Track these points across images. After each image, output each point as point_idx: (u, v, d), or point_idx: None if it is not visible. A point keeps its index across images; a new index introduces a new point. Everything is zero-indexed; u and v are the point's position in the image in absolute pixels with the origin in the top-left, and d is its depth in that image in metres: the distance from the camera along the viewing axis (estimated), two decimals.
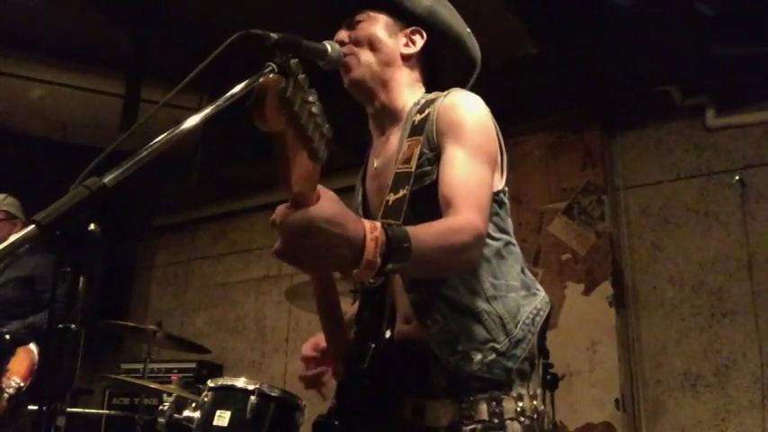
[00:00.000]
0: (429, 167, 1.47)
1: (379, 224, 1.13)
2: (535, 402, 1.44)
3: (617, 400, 3.92)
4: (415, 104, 1.62)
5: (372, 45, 1.63)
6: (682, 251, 4.13)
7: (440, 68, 1.72)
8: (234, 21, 3.77)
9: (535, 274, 4.22)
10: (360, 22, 1.66)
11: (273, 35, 1.34)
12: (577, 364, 4.03)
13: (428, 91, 1.67)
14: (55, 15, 4.01)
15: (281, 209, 1.05)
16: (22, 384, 3.39)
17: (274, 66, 1.34)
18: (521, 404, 1.41)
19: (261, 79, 0.96)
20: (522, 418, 1.40)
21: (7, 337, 3.40)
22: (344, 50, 1.62)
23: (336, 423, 1.36)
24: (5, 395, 3.37)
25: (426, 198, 1.43)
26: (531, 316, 1.49)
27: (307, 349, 1.66)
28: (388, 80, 1.64)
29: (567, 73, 4.07)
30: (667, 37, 3.70)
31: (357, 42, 1.64)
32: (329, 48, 1.56)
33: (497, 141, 1.53)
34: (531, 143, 4.52)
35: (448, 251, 1.26)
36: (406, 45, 1.66)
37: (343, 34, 1.65)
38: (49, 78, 4.41)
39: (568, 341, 4.05)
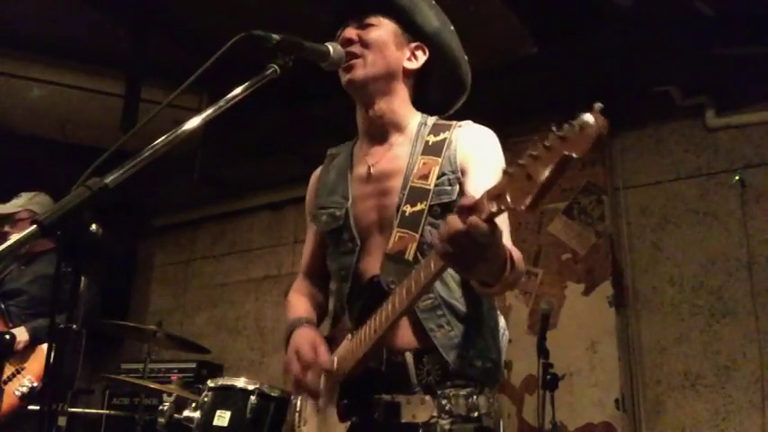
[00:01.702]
0: (449, 187, 1.55)
1: (507, 249, 1.30)
2: (498, 404, 1.56)
3: (617, 400, 3.92)
4: (423, 125, 1.67)
5: (381, 51, 1.64)
6: (682, 251, 4.13)
7: (429, 88, 1.75)
8: (234, 21, 3.78)
9: (535, 275, 4.27)
10: (370, 25, 1.66)
11: (275, 36, 1.34)
12: (577, 364, 4.03)
13: (413, 104, 1.73)
14: (55, 15, 4.01)
15: (474, 219, 1.14)
16: (35, 384, 3.38)
17: (276, 67, 1.34)
18: (492, 402, 1.52)
19: (605, 130, 1.00)
20: (492, 414, 1.50)
21: (7, 337, 3.39)
22: (352, 49, 1.62)
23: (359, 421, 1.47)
24: (17, 393, 3.36)
25: (442, 213, 1.53)
26: (501, 332, 1.62)
27: (309, 352, 1.54)
28: (388, 90, 1.67)
29: (567, 73, 4.07)
30: (667, 37, 3.70)
31: (366, 44, 1.64)
32: (331, 49, 1.57)
33: None
34: (531, 143, 4.50)
35: (522, 274, 1.43)
36: (409, 59, 1.69)
37: (352, 32, 1.65)
38: (49, 78, 4.40)
39: (568, 341, 4.05)
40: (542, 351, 3.23)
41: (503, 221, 1.45)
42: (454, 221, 1.15)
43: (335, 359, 1.55)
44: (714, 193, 4.12)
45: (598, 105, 1.01)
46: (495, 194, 1.11)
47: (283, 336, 1.70)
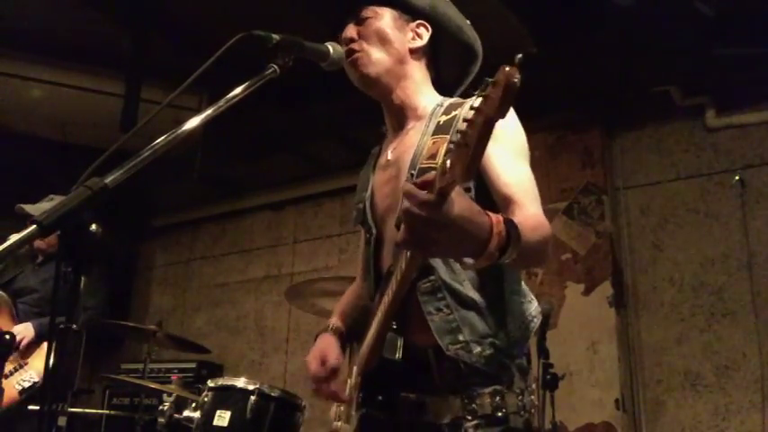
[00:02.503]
0: None
1: (501, 219, 1.19)
2: (532, 397, 1.48)
3: (617, 400, 3.92)
4: (439, 105, 1.64)
5: (383, 40, 1.64)
6: (682, 251, 4.13)
7: (442, 61, 1.74)
8: (234, 21, 3.78)
9: (535, 275, 4.27)
10: (367, 18, 1.65)
11: (275, 36, 1.34)
12: (577, 364, 4.03)
13: (434, 84, 1.71)
14: (55, 15, 4.01)
15: (419, 196, 1.07)
16: (38, 380, 3.38)
17: (276, 67, 1.34)
18: (521, 399, 1.44)
19: (514, 79, 0.96)
20: (523, 413, 1.44)
21: (7, 337, 3.38)
22: (354, 47, 1.62)
23: (383, 418, 1.45)
24: (18, 387, 3.36)
25: None
26: (528, 320, 1.53)
27: (316, 368, 1.61)
28: (402, 76, 1.65)
29: (567, 73, 4.06)
30: (667, 37, 3.70)
31: (367, 38, 1.63)
32: (331, 49, 1.57)
33: None
34: (530, 143, 4.46)
35: (541, 246, 1.34)
36: (413, 39, 1.68)
37: (351, 30, 1.65)
38: (49, 78, 4.41)
39: (568, 341, 4.05)
40: (542, 351, 3.22)
41: (526, 188, 1.44)
42: (403, 202, 1.09)
43: (362, 353, 1.55)
44: (714, 193, 4.12)
45: (517, 57, 0.97)
46: (444, 168, 1.06)
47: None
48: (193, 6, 3.91)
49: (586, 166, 4.35)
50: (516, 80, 0.95)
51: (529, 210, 1.40)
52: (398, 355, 1.39)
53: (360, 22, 1.65)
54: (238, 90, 1.29)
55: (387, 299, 1.39)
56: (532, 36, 3.86)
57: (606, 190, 4.29)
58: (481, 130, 0.99)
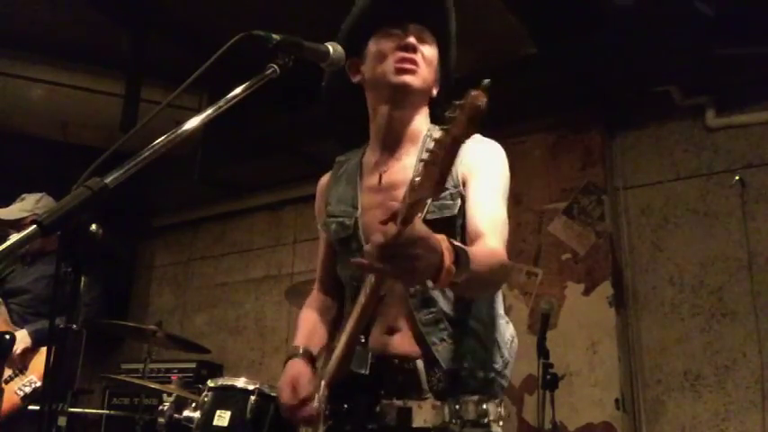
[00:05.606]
0: (450, 201, 1.57)
1: (444, 237, 1.23)
2: (505, 410, 1.60)
3: (617, 400, 3.92)
4: (429, 131, 1.70)
5: (432, 71, 1.70)
6: (682, 251, 4.13)
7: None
8: (234, 21, 3.78)
9: (535, 275, 4.27)
10: (427, 42, 1.69)
11: (275, 36, 1.35)
12: (577, 364, 4.03)
13: None
14: (55, 15, 4.01)
15: (387, 230, 1.12)
16: (39, 384, 3.38)
17: (276, 67, 1.35)
18: (500, 410, 1.55)
19: (478, 102, 0.99)
20: (501, 422, 1.55)
21: (7, 337, 3.38)
22: (415, 57, 1.65)
23: (349, 429, 1.49)
24: (20, 393, 3.35)
25: (443, 227, 1.53)
26: (510, 341, 1.65)
27: (288, 396, 1.61)
28: (421, 103, 1.71)
29: (567, 73, 4.06)
30: (667, 37, 3.70)
31: (425, 59, 1.68)
32: (331, 49, 1.57)
33: None
34: (531, 143, 4.51)
35: (492, 271, 1.38)
36: (435, 83, 1.75)
37: (414, 40, 1.67)
38: (49, 78, 4.41)
39: (568, 341, 4.05)
40: (542, 351, 3.23)
41: (495, 225, 1.50)
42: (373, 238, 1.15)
43: (330, 366, 1.58)
44: (714, 193, 4.12)
45: (484, 81, 1.00)
46: (413, 186, 1.11)
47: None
48: (193, 6, 3.91)
49: (586, 166, 4.35)
50: (481, 103, 0.99)
51: (489, 242, 1.45)
52: (366, 370, 1.45)
53: (421, 40, 1.68)
54: (238, 90, 1.29)
55: (355, 314, 1.44)
56: (532, 36, 3.86)
57: (606, 190, 4.28)
58: (448, 149, 1.02)
